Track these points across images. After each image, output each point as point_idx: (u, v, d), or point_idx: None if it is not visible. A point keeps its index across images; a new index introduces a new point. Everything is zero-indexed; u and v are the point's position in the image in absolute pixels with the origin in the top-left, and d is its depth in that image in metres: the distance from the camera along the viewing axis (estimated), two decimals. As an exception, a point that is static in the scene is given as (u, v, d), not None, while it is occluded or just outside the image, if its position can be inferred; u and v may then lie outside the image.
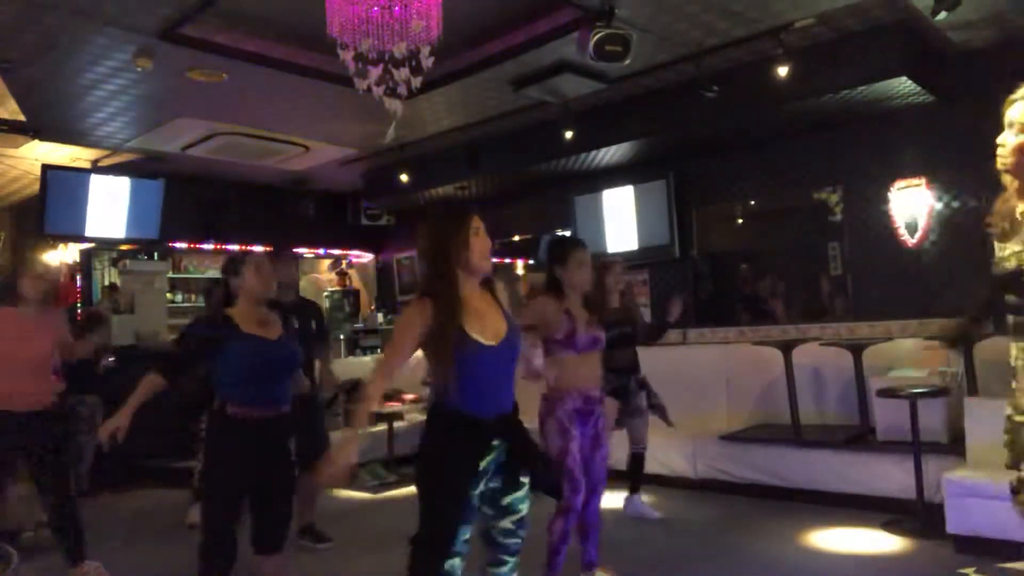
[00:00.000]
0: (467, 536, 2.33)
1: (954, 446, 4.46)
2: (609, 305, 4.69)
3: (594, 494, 3.66)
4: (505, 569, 2.43)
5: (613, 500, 5.20)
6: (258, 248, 8.63)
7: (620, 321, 4.67)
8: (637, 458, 4.95)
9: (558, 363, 3.51)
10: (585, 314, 3.62)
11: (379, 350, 8.59)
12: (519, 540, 2.43)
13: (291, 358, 3.28)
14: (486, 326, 2.35)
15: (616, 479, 5.15)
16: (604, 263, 4.83)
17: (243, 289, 3.21)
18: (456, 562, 2.30)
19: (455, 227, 2.39)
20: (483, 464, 2.31)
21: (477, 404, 2.32)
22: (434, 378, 2.41)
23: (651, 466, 5.07)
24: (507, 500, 2.39)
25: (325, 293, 9.84)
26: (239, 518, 3.14)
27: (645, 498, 5.06)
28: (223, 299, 3.28)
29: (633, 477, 4.98)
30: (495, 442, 2.34)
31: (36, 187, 6.99)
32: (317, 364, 4.72)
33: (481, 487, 2.34)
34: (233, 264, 3.25)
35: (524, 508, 2.43)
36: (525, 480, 2.42)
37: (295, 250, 8.93)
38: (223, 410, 3.11)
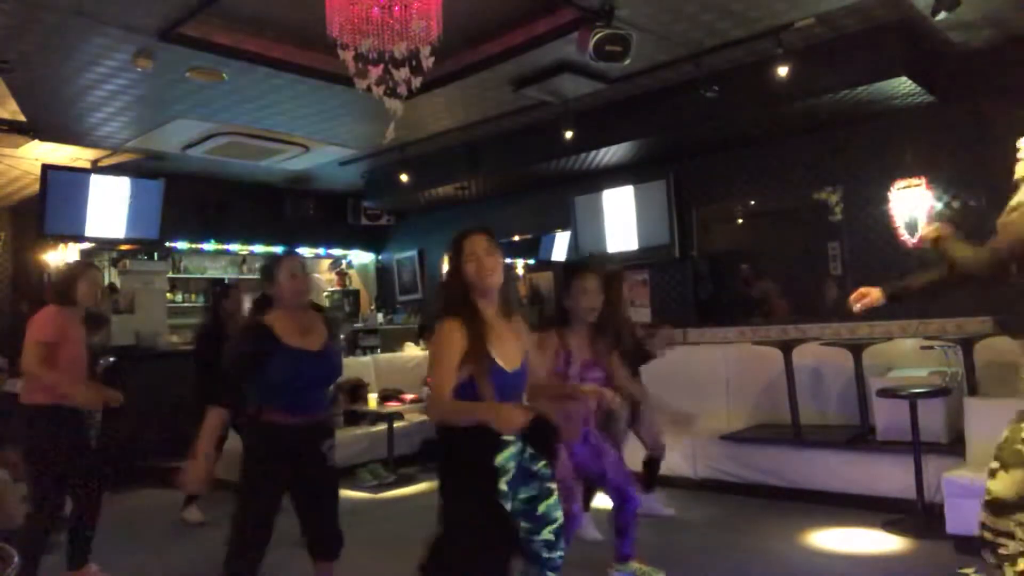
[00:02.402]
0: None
1: (954, 446, 4.46)
2: (624, 317, 4.62)
3: (625, 498, 3.66)
4: None
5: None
6: (260, 248, 8.69)
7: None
8: (653, 462, 4.91)
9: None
10: (588, 351, 3.49)
11: (379, 350, 8.58)
12: (561, 553, 2.42)
13: (331, 371, 3.23)
14: (506, 351, 2.39)
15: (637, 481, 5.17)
16: (610, 273, 4.44)
17: (277, 296, 3.13)
18: None
19: (455, 253, 2.45)
20: (501, 459, 2.31)
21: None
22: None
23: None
24: (542, 508, 2.39)
25: (325, 293, 9.84)
26: (276, 514, 3.11)
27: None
28: (260, 304, 3.20)
29: (647, 477, 4.93)
30: (510, 437, 2.34)
31: (36, 187, 6.99)
32: None
33: (513, 498, 2.35)
34: (267, 270, 3.18)
35: (560, 517, 2.42)
36: (553, 486, 2.42)
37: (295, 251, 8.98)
38: (259, 415, 3.07)
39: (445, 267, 2.54)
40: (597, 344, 3.51)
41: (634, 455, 4.93)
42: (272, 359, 2.99)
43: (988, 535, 2.56)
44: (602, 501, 4.85)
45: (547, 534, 2.38)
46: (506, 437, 2.32)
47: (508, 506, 2.32)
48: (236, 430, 5.04)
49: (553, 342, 3.44)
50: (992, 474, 2.57)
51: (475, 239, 2.44)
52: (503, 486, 2.31)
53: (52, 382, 3.74)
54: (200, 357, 5.30)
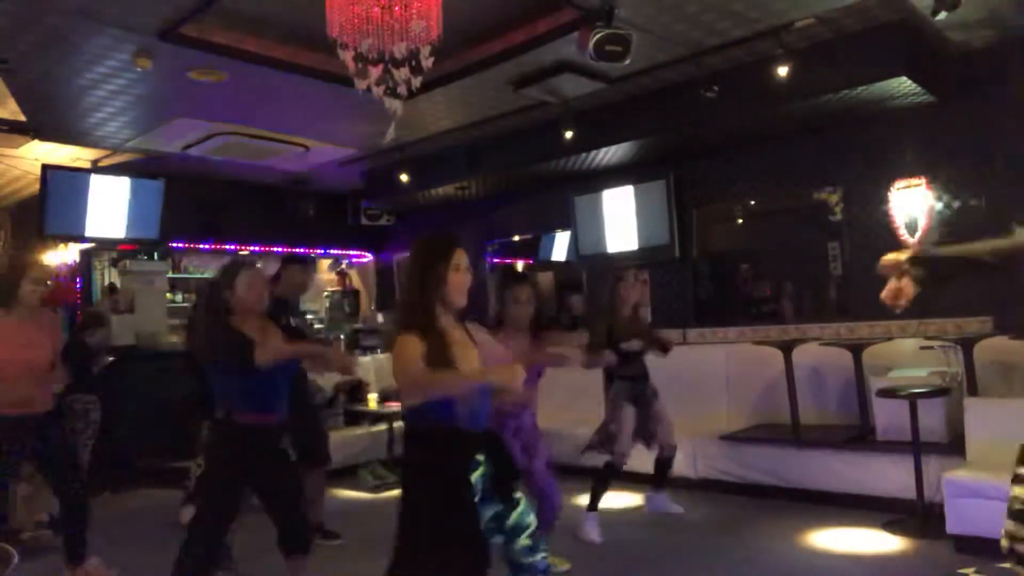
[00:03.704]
0: None
1: (954, 446, 4.46)
2: (623, 316, 4.71)
3: (543, 498, 3.73)
4: None
5: (628, 500, 5.22)
6: (256, 248, 8.68)
7: (633, 335, 4.69)
8: (664, 462, 4.91)
9: None
10: (521, 346, 3.68)
11: (379, 350, 8.59)
12: (544, 555, 2.39)
13: (294, 371, 3.37)
14: (467, 358, 2.37)
15: (635, 481, 5.17)
16: (616, 275, 4.91)
17: (238, 302, 3.20)
18: None
19: (437, 259, 2.37)
20: (474, 478, 2.29)
21: (461, 424, 2.32)
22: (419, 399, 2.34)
23: (651, 465, 5.06)
24: (512, 520, 2.37)
25: (325, 293, 9.84)
26: (232, 523, 3.22)
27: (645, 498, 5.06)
28: (224, 309, 3.23)
29: (658, 477, 4.97)
30: (480, 456, 2.33)
31: (36, 187, 6.99)
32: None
33: (486, 513, 2.33)
34: (226, 277, 3.24)
35: (532, 521, 2.40)
36: (518, 495, 2.40)
37: (295, 251, 8.98)
38: (229, 418, 3.15)
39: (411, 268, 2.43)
40: (533, 345, 3.71)
41: (642, 454, 4.93)
42: (250, 365, 3.06)
43: (1020, 547, 2.42)
44: (608, 502, 4.85)
45: (524, 540, 2.36)
46: (478, 457, 2.32)
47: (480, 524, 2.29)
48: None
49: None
50: (1018, 480, 2.40)
51: (462, 252, 2.40)
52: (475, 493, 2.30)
53: None
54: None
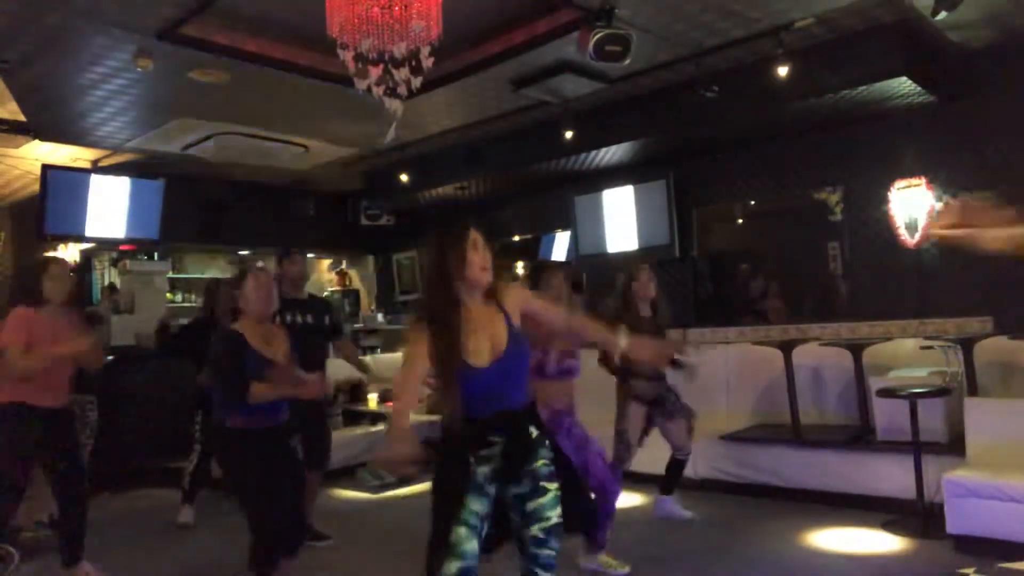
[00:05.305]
0: (473, 544, 2.28)
1: (954, 446, 4.46)
2: (639, 313, 4.61)
3: (607, 492, 3.83)
4: None
5: (628, 499, 5.21)
6: (260, 248, 8.68)
7: (649, 332, 4.63)
8: (677, 464, 4.84)
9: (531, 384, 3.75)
10: (561, 344, 3.77)
11: (379, 350, 8.60)
12: (551, 552, 2.35)
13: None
14: (483, 344, 2.35)
15: (635, 481, 5.17)
16: (630, 270, 4.77)
17: (245, 307, 3.28)
18: (465, 565, 2.25)
19: (453, 243, 2.40)
20: (481, 466, 2.31)
21: (475, 412, 2.35)
22: (437, 388, 2.47)
23: (652, 465, 5.05)
24: (532, 506, 2.34)
25: (325, 293, 9.84)
26: (290, 503, 3.27)
27: (647, 498, 5.05)
28: (231, 312, 3.34)
29: (667, 480, 4.89)
30: (495, 438, 2.32)
31: (36, 187, 6.99)
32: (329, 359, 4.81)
33: (505, 493, 2.36)
34: (236, 280, 3.35)
35: (553, 516, 2.36)
36: (551, 487, 2.37)
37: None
38: (224, 423, 3.20)
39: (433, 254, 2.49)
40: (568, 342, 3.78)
41: (654, 453, 4.92)
42: (245, 364, 3.14)
43: None
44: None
45: (535, 531, 2.34)
46: (492, 439, 2.32)
47: (486, 492, 2.33)
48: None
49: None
50: None
51: (476, 232, 2.43)
52: (483, 468, 2.32)
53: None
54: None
